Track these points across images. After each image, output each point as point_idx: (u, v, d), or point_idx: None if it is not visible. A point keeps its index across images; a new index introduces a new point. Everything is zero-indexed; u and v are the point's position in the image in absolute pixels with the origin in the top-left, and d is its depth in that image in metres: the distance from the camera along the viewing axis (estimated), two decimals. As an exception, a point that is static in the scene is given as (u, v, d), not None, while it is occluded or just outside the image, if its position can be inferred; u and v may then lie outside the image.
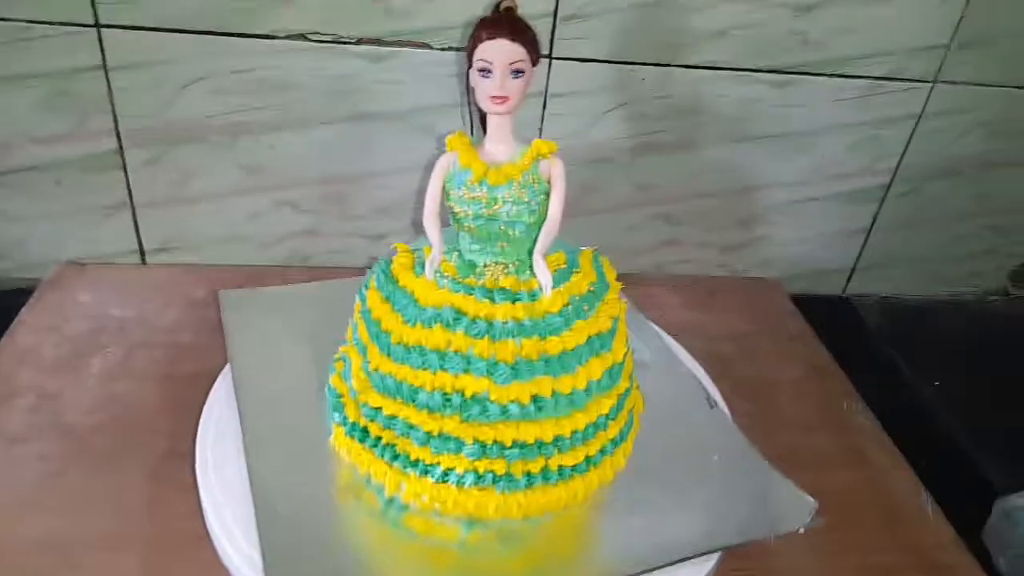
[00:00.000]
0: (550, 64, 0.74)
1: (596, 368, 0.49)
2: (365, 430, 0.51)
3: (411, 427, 0.49)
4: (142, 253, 0.80)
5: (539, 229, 0.50)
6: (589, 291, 0.50)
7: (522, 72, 0.47)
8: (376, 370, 0.50)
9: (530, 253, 0.50)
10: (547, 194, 0.49)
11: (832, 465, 0.65)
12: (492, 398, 0.48)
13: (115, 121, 0.72)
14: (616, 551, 0.49)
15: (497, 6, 0.47)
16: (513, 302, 0.48)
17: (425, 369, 0.48)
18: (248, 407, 0.54)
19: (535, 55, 0.47)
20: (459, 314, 0.48)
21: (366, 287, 0.53)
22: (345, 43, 0.70)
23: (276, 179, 0.77)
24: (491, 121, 0.49)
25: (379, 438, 0.51)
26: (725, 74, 0.77)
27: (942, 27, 0.77)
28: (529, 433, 0.48)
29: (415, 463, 0.49)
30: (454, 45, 0.72)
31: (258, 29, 0.69)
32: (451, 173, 0.49)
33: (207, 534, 0.50)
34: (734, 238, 0.88)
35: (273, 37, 0.69)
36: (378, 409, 0.50)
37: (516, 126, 0.50)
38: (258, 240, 0.80)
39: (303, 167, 0.76)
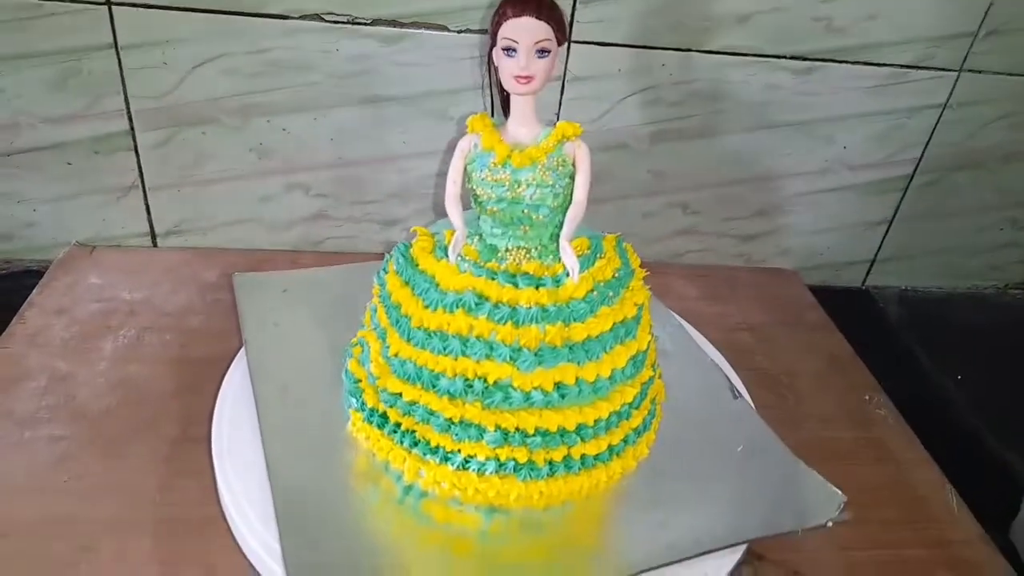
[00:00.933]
0: (569, 48, 0.72)
1: (621, 356, 0.48)
2: (384, 416, 0.50)
3: (431, 413, 0.48)
4: (153, 236, 0.79)
5: (562, 213, 0.48)
6: (614, 277, 0.49)
7: (548, 52, 0.45)
8: (396, 355, 0.49)
9: (552, 238, 0.49)
10: (571, 177, 0.48)
11: (854, 458, 0.64)
12: (515, 385, 0.46)
13: (126, 101, 0.71)
14: (638, 543, 0.47)
15: None
16: (536, 287, 0.47)
17: (446, 354, 0.47)
18: (264, 392, 0.53)
19: (561, 35, 0.46)
20: (482, 299, 0.46)
21: (384, 271, 0.52)
22: (360, 23, 0.69)
23: (288, 162, 0.76)
24: (515, 102, 0.48)
25: (398, 424, 0.49)
26: (747, 60, 0.75)
27: (970, 14, 0.75)
28: (551, 421, 0.47)
29: (435, 450, 0.48)
30: (472, 27, 0.70)
31: (272, 8, 0.67)
32: (473, 155, 0.48)
33: (220, 518, 0.49)
34: (752, 227, 0.87)
35: (287, 17, 0.68)
36: (398, 395, 0.49)
37: (537, 109, 0.49)
38: (269, 223, 0.79)
39: (315, 150, 0.75)
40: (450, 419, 0.47)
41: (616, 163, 0.80)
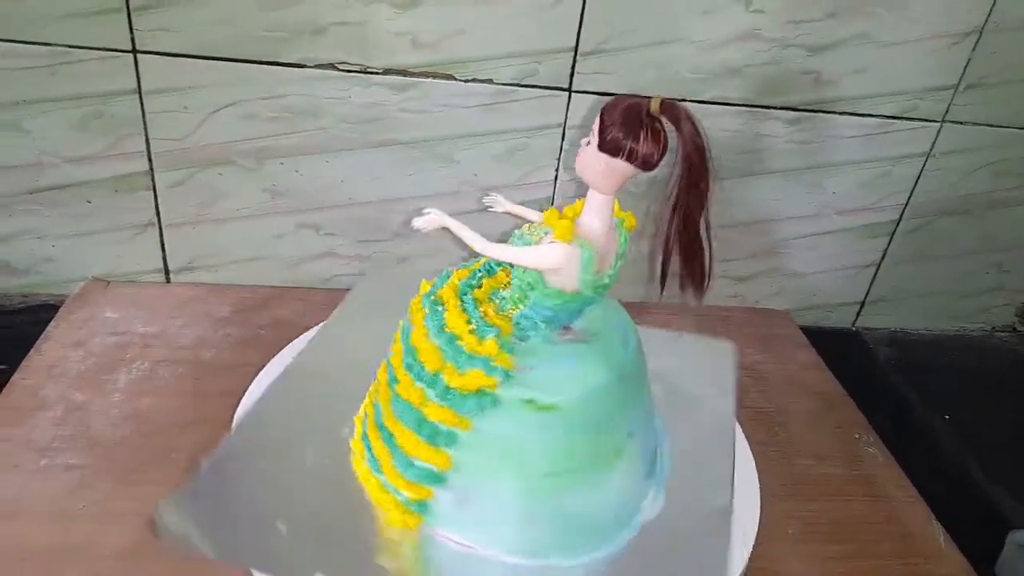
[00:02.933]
0: (569, 97, 0.76)
1: None
2: None
3: None
4: (167, 272, 0.81)
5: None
6: None
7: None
8: None
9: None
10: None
11: (845, 495, 0.66)
12: None
13: (147, 143, 0.74)
14: None
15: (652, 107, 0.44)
16: None
17: None
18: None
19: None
20: None
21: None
22: (372, 72, 0.73)
23: (300, 202, 0.79)
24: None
25: None
26: (740, 110, 0.79)
27: (950, 69, 0.79)
28: None
29: None
30: (478, 77, 0.74)
31: (289, 58, 0.71)
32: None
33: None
34: (746, 269, 0.90)
35: (303, 66, 0.72)
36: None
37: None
38: (280, 261, 0.82)
39: (326, 191, 0.78)
40: None
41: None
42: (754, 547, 0.53)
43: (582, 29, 0.72)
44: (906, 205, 0.88)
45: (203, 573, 0.51)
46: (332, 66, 0.72)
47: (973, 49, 0.78)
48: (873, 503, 0.66)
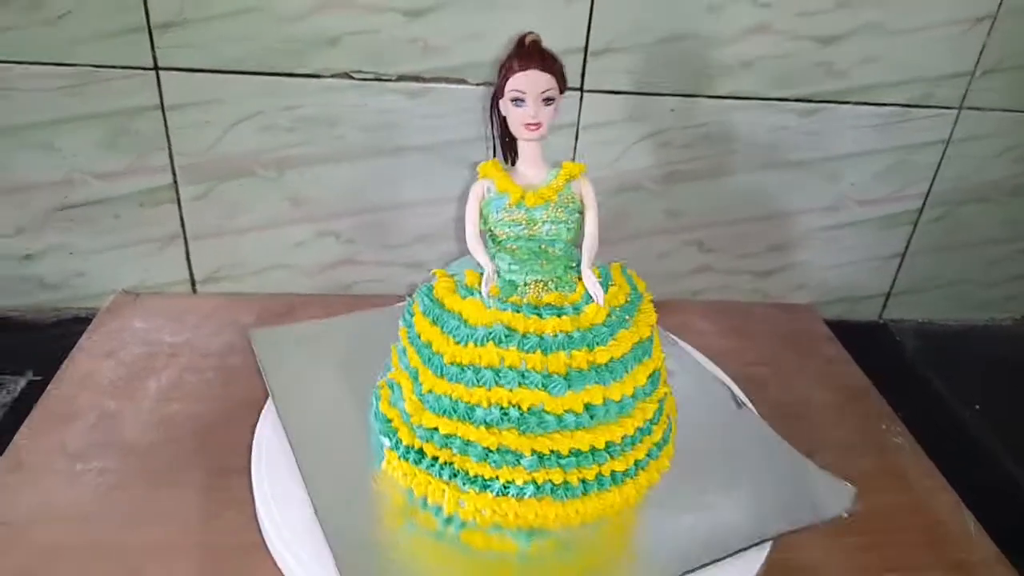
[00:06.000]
0: (581, 96, 0.77)
1: (640, 374, 0.51)
2: (420, 452, 0.53)
3: (468, 444, 0.50)
4: (193, 283, 0.83)
5: (575, 246, 0.52)
6: (627, 302, 0.52)
7: (552, 99, 0.49)
8: (430, 391, 0.52)
9: (566, 269, 0.53)
10: (580, 212, 0.52)
11: (872, 485, 0.64)
12: (548, 409, 0.49)
13: (171, 157, 0.76)
14: (672, 548, 0.50)
15: (522, 39, 0.50)
16: (559, 316, 0.50)
17: (480, 386, 0.50)
18: (298, 441, 0.56)
19: (563, 83, 0.50)
20: (510, 331, 0.49)
21: (410, 314, 0.55)
22: (386, 80, 0.74)
23: (320, 210, 0.80)
24: (523, 147, 0.52)
25: (436, 458, 0.52)
26: (753, 103, 0.79)
27: (966, 54, 0.79)
28: (583, 441, 0.50)
29: (474, 479, 0.51)
30: (489, 80, 0.75)
31: (305, 69, 0.73)
32: (488, 199, 0.52)
33: (260, 545, 0.52)
34: (767, 264, 0.90)
35: (319, 76, 0.73)
36: (434, 429, 0.52)
37: (543, 152, 0.53)
38: (302, 269, 0.84)
39: (346, 198, 0.80)
40: (487, 448, 0.50)
41: (632, 204, 0.83)
42: (777, 538, 0.52)
43: (591, 29, 0.73)
44: (928, 194, 0.87)
45: (231, 572, 0.52)
46: (347, 75, 0.74)
47: (988, 34, 0.77)
48: (901, 493, 0.65)
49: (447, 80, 0.75)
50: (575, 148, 0.79)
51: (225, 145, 0.76)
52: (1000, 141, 0.84)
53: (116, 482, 0.59)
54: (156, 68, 0.72)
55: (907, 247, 0.91)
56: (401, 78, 0.74)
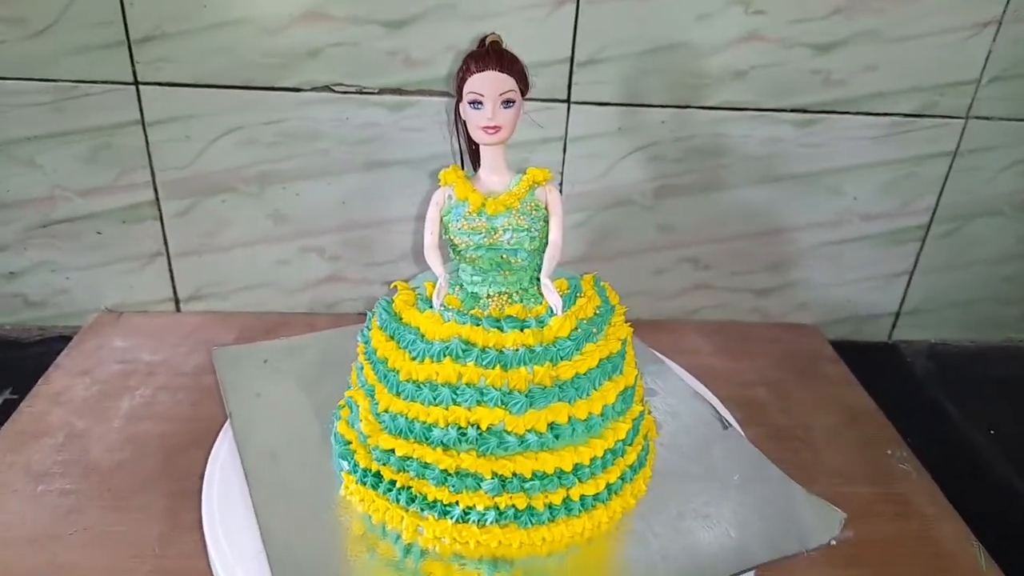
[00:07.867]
0: (569, 109, 0.75)
1: (610, 392, 0.48)
2: (378, 475, 0.50)
3: (426, 466, 0.48)
4: (176, 300, 0.82)
5: (539, 256, 0.50)
6: (596, 314, 0.50)
7: (512, 102, 0.47)
8: (386, 411, 0.49)
9: (531, 281, 0.50)
10: (545, 221, 0.49)
11: (873, 514, 0.61)
12: (508, 428, 0.47)
13: (152, 174, 0.75)
14: None
15: (483, 41, 0.48)
16: (521, 329, 0.48)
17: (437, 404, 0.47)
18: (252, 464, 0.54)
19: (524, 85, 0.48)
20: (468, 345, 0.47)
21: (368, 328, 0.53)
22: (368, 93, 0.73)
23: (302, 227, 0.79)
24: (484, 152, 0.50)
25: (393, 482, 0.49)
26: (747, 115, 0.76)
27: (970, 62, 0.75)
28: (548, 463, 0.47)
29: (432, 504, 0.48)
30: (474, 92, 0.73)
31: (285, 82, 0.72)
32: (448, 206, 0.50)
33: (210, 573, 0.50)
34: (767, 282, 0.86)
35: (299, 90, 0.72)
36: (390, 451, 0.49)
37: (507, 157, 0.51)
38: (287, 286, 0.82)
39: (328, 214, 0.78)
40: (446, 470, 0.47)
41: (622, 219, 0.81)
42: (760, 567, 0.49)
43: (577, 38, 0.71)
44: (935, 208, 0.83)
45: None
46: (328, 88, 0.72)
47: (993, 40, 0.74)
48: (905, 522, 0.61)
49: (430, 92, 0.73)
50: (563, 161, 0.77)
51: (206, 160, 0.75)
52: (1010, 152, 0.80)
53: (76, 504, 0.57)
54: (136, 83, 0.71)
55: (916, 264, 0.87)
56: (383, 91, 0.73)
